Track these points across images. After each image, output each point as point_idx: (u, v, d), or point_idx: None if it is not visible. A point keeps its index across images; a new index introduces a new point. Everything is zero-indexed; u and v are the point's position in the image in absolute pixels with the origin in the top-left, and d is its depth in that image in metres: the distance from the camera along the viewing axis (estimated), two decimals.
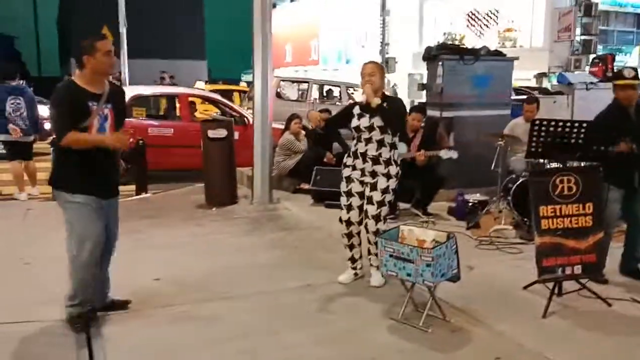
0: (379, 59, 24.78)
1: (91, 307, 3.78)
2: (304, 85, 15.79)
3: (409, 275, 3.74)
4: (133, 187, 7.99)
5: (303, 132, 8.50)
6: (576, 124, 4.57)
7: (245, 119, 9.75)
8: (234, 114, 10.08)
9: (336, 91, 16.00)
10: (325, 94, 16.31)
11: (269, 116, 7.35)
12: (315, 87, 15.16)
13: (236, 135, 8.39)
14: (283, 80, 15.25)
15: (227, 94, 15.47)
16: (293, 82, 16.37)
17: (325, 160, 8.05)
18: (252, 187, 7.37)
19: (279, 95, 13.85)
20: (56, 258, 3.97)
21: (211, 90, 15.47)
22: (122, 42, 19.20)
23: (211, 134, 7.31)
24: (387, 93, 4.65)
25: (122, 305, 4.04)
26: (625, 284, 4.61)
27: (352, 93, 15.26)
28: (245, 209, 7.10)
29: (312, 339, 3.67)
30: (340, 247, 5.42)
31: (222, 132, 7.35)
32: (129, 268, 4.42)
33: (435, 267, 3.63)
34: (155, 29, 33.76)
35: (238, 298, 4.32)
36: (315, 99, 14.99)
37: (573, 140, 4.52)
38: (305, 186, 7.83)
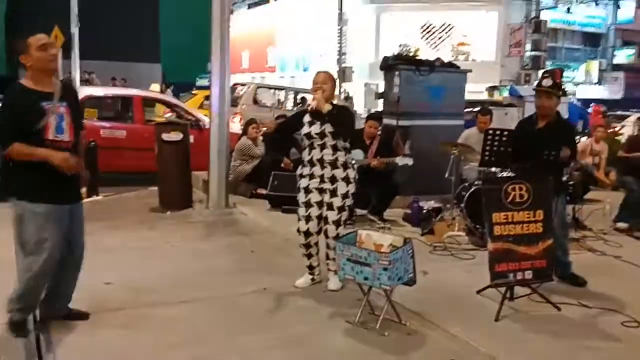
0: (336, 68, 25.01)
1: (34, 313, 3.62)
2: (281, 92, 16.04)
3: (366, 279, 3.77)
4: (83, 189, 7.76)
5: (260, 137, 8.47)
6: None
7: (200, 122, 9.64)
8: (189, 117, 9.96)
9: (310, 99, 16.12)
10: (300, 101, 16.44)
11: (226, 120, 7.28)
12: (291, 95, 15.38)
13: (191, 138, 8.30)
14: (260, 87, 15.46)
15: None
16: (270, 88, 16.56)
17: (282, 165, 8.04)
18: (208, 191, 7.28)
19: (255, 101, 14.07)
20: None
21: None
22: (73, 42, 18.74)
23: (166, 137, 7.20)
24: (336, 102, 4.69)
25: (82, 316, 3.86)
26: (573, 288, 4.75)
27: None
28: (200, 213, 7.01)
29: (269, 343, 3.64)
30: (297, 251, 5.41)
31: (177, 136, 7.25)
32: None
33: (392, 271, 3.67)
34: (109, 30, 33.06)
35: (193, 302, 4.25)
36: (294, 105, 15.16)
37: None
38: (262, 191, 7.79)
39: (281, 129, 5.12)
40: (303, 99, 16.50)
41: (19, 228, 3.49)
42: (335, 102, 4.61)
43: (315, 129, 4.44)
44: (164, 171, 7.27)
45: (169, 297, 4.28)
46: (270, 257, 5.42)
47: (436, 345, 3.70)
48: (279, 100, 16.08)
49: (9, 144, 3.35)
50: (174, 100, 11.16)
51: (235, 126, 11.91)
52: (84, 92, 9.09)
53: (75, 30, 18.73)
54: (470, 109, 10.17)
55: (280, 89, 16.10)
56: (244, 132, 8.39)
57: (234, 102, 14.23)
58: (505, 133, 4.67)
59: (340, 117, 4.40)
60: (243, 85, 15.37)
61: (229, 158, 7.57)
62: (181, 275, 4.81)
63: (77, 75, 18.95)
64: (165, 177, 7.29)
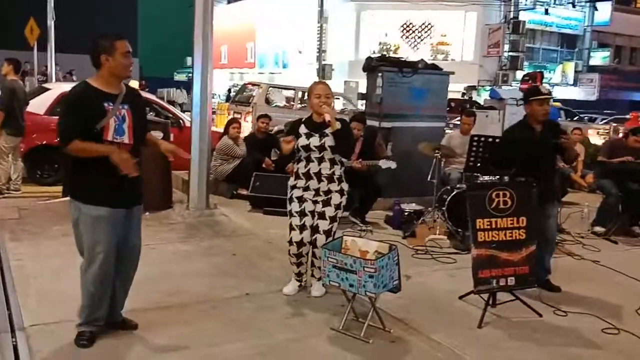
0: (315, 66, 24.97)
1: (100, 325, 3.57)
2: (290, 93, 16.35)
3: (351, 286, 3.75)
4: (61, 187, 7.62)
5: (241, 137, 8.40)
6: None
7: (181, 121, 9.53)
8: (170, 115, 9.83)
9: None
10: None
11: (208, 119, 7.19)
12: (299, 94, 15.43)
13: (171, 137, 8.19)
14: (272, 87, 15.72)
15: None
16: (281, 89, 16.71)
17: (264, 166, 7.99)
18: (189, 191, 7.18)
19: (267, 101, 14.42)
20: None
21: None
22: (50, 35, 18.42)
23: None
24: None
25: (133, 326, 3.76)
26: (554, 294, 4.79)
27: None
28: (180, 214, 6.91)
29: (253, 350, 3.61)
30: (279, 254, 5.42)
31: (157, 135, 7.12)
32: (56, 274, 4.20)
33: (377, 279, 3.66)
34: (86, 23, 32.55)
35: (174, 307, 4.19)
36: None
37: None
38: (243, 192, 7.73)
39: (283, 161, 5.02)
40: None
41: (76, 232, 3.45)
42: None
43: (315, 141, 4.36)
44: (143, 170, 7.10)
45: (147, 302, 4.19)
46: (252, 261, 5.37)
47: (420, 353, 3.70)
48: (288, 100, 16.28)
49: (68, 142, 3.30)
50: (153, 98, 10.99)
51: (248, 126, 11.94)
52: (60, 89, 8.89)
53: (51, 23, 18.39)
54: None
55: (290, 89, 16.33)
56: (225, 131, 8.31)
57: (247, 102, 14.23)
58: (490, 140, 4.67)
59: (346, 135, 4.41)
60: (254, 85, 15.61)
61: (210, 158, 7.48)
62: (162, 279, 4.73)
63: (52, 69, 18.61)
64: (144, 176, 7.13)
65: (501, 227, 4.32)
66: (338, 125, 4.33)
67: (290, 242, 4.48)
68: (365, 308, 4.00)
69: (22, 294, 4.21)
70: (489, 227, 4.30)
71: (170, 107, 10.66)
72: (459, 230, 6.28)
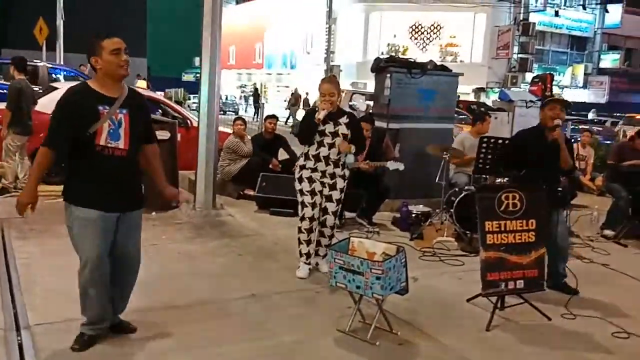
0: (323, 67, 24.95)
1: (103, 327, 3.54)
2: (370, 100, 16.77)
3: (358, 287, 3.71)
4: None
5: (248, 136, 8.39)
6: None
7: (188, 120, 9.52)
8: (177, 115, 9.82)
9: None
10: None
11: (215, 119, 7.17)
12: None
13: (178, 137, 8.17)
14: (355, 93, 16.14)
15: None
16: (362, 94, 17.08)
17: (270, 166, 7.97)
18: (195, 191, 7.17)
19: (351, 107, 15.00)
20: None
21: None
22: (59, 35, 18.51)
23: None
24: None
25: (130, 329, 3.71)
26: (563, 297, 4.73)
27: None
28: (187, 214, 6.88)
29: (258, 351, 3.58)
30: (285, 255, 5.41)
31: (164, 134, 7.12)
32: (61, 273, 4.18)
33: (384, 280, 3.62)
34: (95, 23, 32.70)
35: (180, 308, 4.16)
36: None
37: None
38: (250, 192, 7.71)
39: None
40: None
41: (70, 233, 3.39)
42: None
43: (330, 127, 4.77)
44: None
45: (154, 303, 4.17)
46: (259, 261, 5.34)
47: (427, 356, 3.66)
48: (368, 105, 16.45)
49: (54, 146, 3.26)
50: (161, 98, 10.99)
51: None
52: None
53: (60, 22, 18.49)
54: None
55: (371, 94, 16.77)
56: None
57: None
58: (500, 141, 4.62)
59: (358, 128, 4.94)
60: None
61: (217, 157, 7.47)
62: (168, 279, 4.72)
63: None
64: (150, 176, 7.14)
65: (510, 229, 4.27)
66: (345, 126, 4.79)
67: (303, 218, 4.84)
68: (372, 310, 3.95)
69: (28, 293, 4.20)
70: (498, 229, 4.25)
71: (178, 107, 10.66)
72: (467, 232, 6.23)
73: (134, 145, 3.41)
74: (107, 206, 3.34)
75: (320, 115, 4.66)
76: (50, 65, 14.54)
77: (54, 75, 14.14)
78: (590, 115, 23.15)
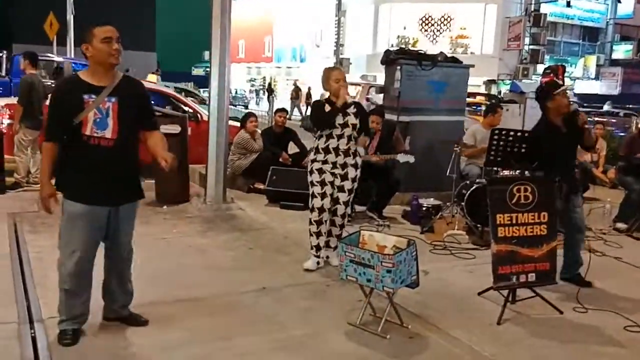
0: (333, 59, 24.89)
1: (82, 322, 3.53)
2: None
3: (369, 281, 3.70)
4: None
5: (259, 131, 8.39)
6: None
7: (198, 114, 9.53)
8: (187, 109, 9.84)
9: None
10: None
11: (225, 113, 7.17)
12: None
13: (188, 131, 8.18)
14: (371, 87, 16.27)
15: None
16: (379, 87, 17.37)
17: (280, 160, 7.97)
18: (206, 185, 7.18)
19: (368, 100, 15.23)
20: None
21: None
22: (69, 29, 18.59)
23: (163, 129, 7.05)
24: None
25: (141, 322, 3.73)
26: (575, 290, 4.70)
27: None
28: (198, 207, 6.91)
29: (268, 344, 3.58)
30: (295, 249, 5.41)
31: (175, 128, 7.14)
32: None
33: (395, 274, 3.61)
34: (105, 18, 32.73)
35: (190, 301, 4.17)
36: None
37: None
38: (260, 186, 7.72)
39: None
40: None
41: (60, 223, 3.41)
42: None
43: (339, 119, 4.78)
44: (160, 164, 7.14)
45: (165, 296, 4.19)
46: (269, 255, 5.35)
47: (438, 349, 3.65)
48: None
49: (54, 139, 3.29)
50: (171, 92, 11.01)
51: None
52: None
53: (70, 17, 18.57)
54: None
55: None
56: (242, 125, 8.30)
57: None
58: (512, 133, 4.59)
59: (365, 116, 5.02)
60: (354, 85, 16.29)
61: (227, 152, 7.47)
62: (179, 272, 4.74)
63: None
64: (161, 170, 7.16)
65: (522, 222, 4.25)
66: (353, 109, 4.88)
67: (312, 209, 4.86)
68: (383, 303, 3.95)
69: (41, 286, 4.22)
70: (509, 222, 4.22)
71: (188, 101, 10.67)
72: (478, 225, 6.20)
73: (123, 134, 3.34)
74: (95, 199, 3.32)
75: (345, 99, 4.73)
76: (74, 62, 14.66)
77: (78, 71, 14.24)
78: (606, 107, 22.92)
